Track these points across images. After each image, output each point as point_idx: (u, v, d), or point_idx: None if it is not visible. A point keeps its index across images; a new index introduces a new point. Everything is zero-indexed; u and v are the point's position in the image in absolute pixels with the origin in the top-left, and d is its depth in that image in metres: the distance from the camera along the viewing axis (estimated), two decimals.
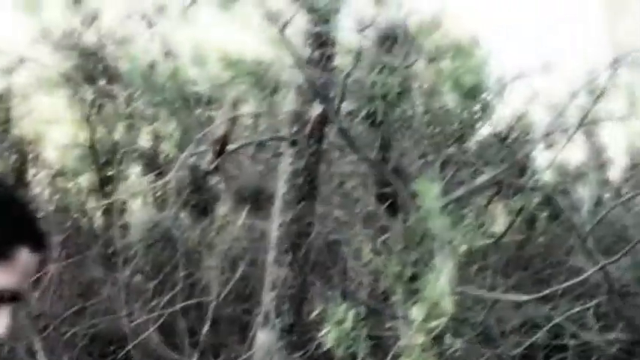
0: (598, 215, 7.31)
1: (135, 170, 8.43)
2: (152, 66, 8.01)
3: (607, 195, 8.00)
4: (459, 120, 6.73)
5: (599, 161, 8.19)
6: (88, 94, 8.41)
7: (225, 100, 6.76)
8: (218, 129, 6.37)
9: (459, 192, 6.32)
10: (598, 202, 7.65)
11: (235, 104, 6.54)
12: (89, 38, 8.41)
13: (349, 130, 6.32)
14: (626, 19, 7.77)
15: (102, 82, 8.38)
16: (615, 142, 8.36)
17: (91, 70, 8.32)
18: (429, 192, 5.86)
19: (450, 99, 6.71)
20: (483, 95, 6.82)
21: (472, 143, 7.01)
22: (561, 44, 7.75)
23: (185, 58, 7.61)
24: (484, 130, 7.20)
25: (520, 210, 6.84)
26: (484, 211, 7.25)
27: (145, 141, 8.41)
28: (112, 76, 8.28)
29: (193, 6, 7.30)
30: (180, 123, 7.33)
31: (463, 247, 5.81)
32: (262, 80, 6.88)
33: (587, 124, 7.35)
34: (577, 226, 7.21)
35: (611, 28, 7.83)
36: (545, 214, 7.57)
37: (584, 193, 7.61)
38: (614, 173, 8.47)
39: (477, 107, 6.82)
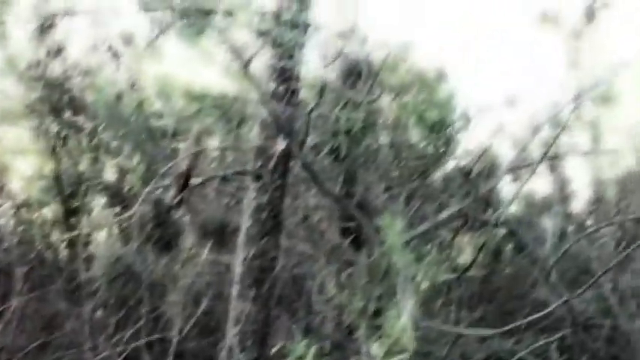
0: (562, 248, 7.36)
1: (100, 202, 8.38)
2: (118, 97, 8.01)
3: (571, 228, 8.05)
4: (423, 154, 6.78)
5: (563, 194, 8.25)
6: (54, 125, 8.36)
7: (190, 133, 6.76)
8: (182, 163, 6.36)
9: (423, 227, 6.35)
10: (562, 235, 7.69)
11: (199, 138, 6.53)
12: (55, 69, 8.38)
13: (313, 164, 6.34)
14: (588, 54, 7.86)
15: (67, 114, 8.33)
16: (579, 175, 8.44)
17: (57, 102, 8.28)
18: (393, 227, 5.87)
19: (414, 133, 6.76)
20: (448, 129, 6.88)
21: (437, 177, 7.04)
22: (525, 79, 7.82)
23: (151, 91, 7.61)
24: (449, 164, 7.26)
25: (483, 245, 6.87)
26: (450, 245, 7.26)
27: (110, 173, 8.37)
28: (78, 108, 8.25)
29: (159, 39, 7.29)
30: (145, 156, 7.30)
31: (426, 283, 5.82)
32: (227, 114, 6.90)
33: (550, 158, 7.43)
34: (541, 259, 7.25)
35: (574, 63, 7.91)
36: (510, 247, 7.60)
37: (548, 225, 7.65)
38: (579, 206, 8.54)
39: (442, 141, 6.87)
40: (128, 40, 8.10)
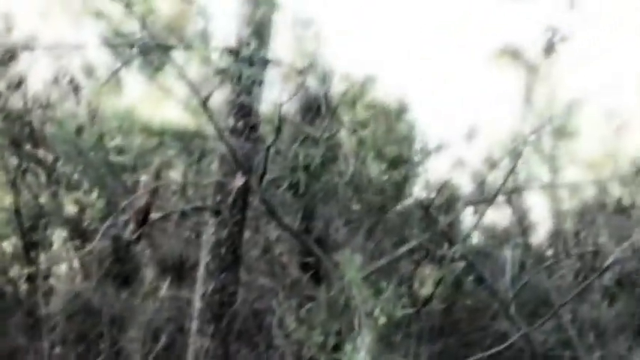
0: (522, 280, 7.41)
1: (60, 236, 8.32)
2: (78, 131, 7.98)
3: (531, 259, 8.10)
4: (383, 188, 6.81)
5: (523, 226, 8.32)
6: (13, 158, 8.31)
7: (149, 168, 6.76)
8: (141, 198, 6.36)
9: (382, 262, 6.38)
10: (522, 267, 7.75)
11: (159, 173, 6.54)
12: (15, 102, 8.34)
13: (273, 199, 6.36)
14: (544, 88, 7.97)
15: (27, 147, 8.28)
16: (539, 207, 8.51)
17: (17, 135, 8.23)
18: (352, 262, 5.90)
19: (374, 167, 6.79)
20: (407, 164, 6.93)
21: (397, 211, 7.07)
22: (484, 112, 7.90)
23: (111, 125, 7.60)
24: (409, 198, 7.30)
25: (441, 278, 6.90)
26: (410, 279, 7.30)
27: (70, 207, 8.32)
28: (38, 141, 8.21)
29: (121, 73, 7.29)
30: (104, 190, 7.29)
31: (384, 317, 5.84)
32: (187, 149, 6.91)
33: (509, 191, 7.50)
34: (500, 291, 7.29)
35: (532, 97, 8.01)
36: (470, 279, 7.64)
37: (508, 257, 7.70)
38: (538, 238, 8.60)
39: (401, 176, 6.92)
40: (89, 73, 8.09)
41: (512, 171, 7.01)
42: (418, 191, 7.34)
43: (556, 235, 8.36)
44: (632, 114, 8.53)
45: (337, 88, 7.42)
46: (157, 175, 6.49)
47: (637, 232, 7.14)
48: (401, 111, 7.90)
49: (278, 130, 5.98)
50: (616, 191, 8.25)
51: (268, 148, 6.05)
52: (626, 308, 7.58)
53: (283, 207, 6.56)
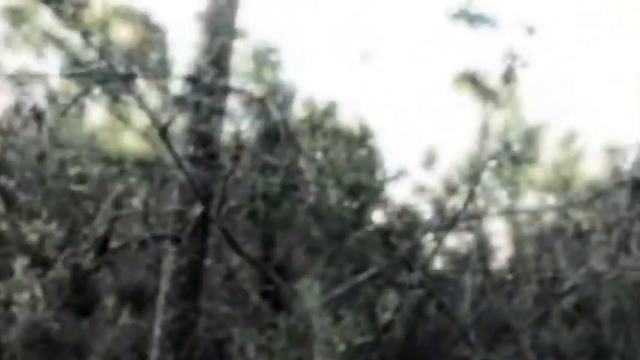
0: (482, 305, 7.47)
1: (21, 264, 8.25)
2: (39, 159, 7.95)
3: (490, 285, 8.14)
4: (342, 216, 6.84)
5: (483, 251, 8.37)
6: None
7: (109, 196, 6.76)
8: (101, 226, 6.36)
9: (341, 289, 6.41)
10: (482, 292, 7.80)
11: (119, 202, 6.54)
12: None
13: (232, 228, 6.38)
14: (504, 114, 8.04)
15: None
16: (500, 233, 8.58)
17: None
18: (310, 290, 5.93)
19: (333, 195, 6.83)
20: (366, 191, 6.97)
21: (357, 238, 7.09)
22: (444, 139, 7.97)
23: (72, 153, 7.58)
24: (369, 225, 7.33)
25: (400, 305, 6.93)
26: (372, 305, 7.31)
27: (31, 235, 8.26)
28: None
29: (84, 102, 7.29)
30: (65, 218, 7.26)
31: (343, 345, 5.87)
32: (148, 177, 6.91)
33: (468, 216, 7.57)
34: (460, 317, 7.34)
35: (490, 123, 8.09)
36: (431, 304, 7.67)
37: (468, 282, 7.74)
38: (498, 263, 8.65)
39: (361, 203, 6.96)
40: (51, 101, 8.07)
41: (470, 197, 7.09)
42: (378, 218, 7.39)
43: (516, 261, 8.42)
44: (590, 139, 8.63)
45: (298, 114, 7.49)
46: (117, 204, 6.49)
47: (594, 257, 7.22)
48: (363, 137, 7.96)
49: (236, 158, 6.01)
50: (575, 216, 8.32)
51: (227, 177, 6.07)
52: (585, 333, 7.64)
53: (244, 235, 6.58)
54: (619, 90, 9.16)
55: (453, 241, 8.07)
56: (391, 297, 7.19)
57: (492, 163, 7.55)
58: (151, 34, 6.43)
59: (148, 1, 7.79)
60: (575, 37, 9.39)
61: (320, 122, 7.41)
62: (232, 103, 6.51)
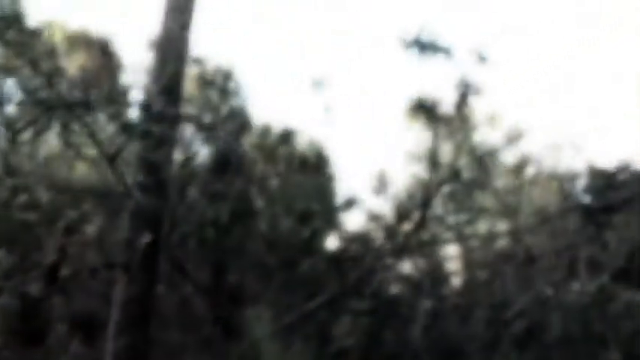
0: (434, 329, 7.51)
1: None
2: None
3: (443, 310, 8.19)
4: (294, 243, 6.87)
5: (437, 275, 8.42)
6: None
7: (60, 224, 6.73)
8: (51, 255, 6.32)
9: (292, 316, 6.42)
10: (435, 316, 7.84)
11: (69, 230, 6.51)
12: None
13: (183, 256, 6.38)
14: (456, 140, 8.14)
15: None
16: (452, 258, 8.64)
17: None
18: (260, 317, 5.94)
19: (284, 222, 6.86)
20: (318, 218, 7.02)
21: (309, 265, 7.12)
22: (396, 165, 8.04)
23: (23, 180, 7.53)
24: (322, 252, 7.37)
25: (351, 333, 6.96)
26: (324, 331, 7.33)
27: None
28: None
29: (37, 130, 7.26)
30: (15, 246, 7.20)
31: None
32: (100, 205, 6.89)
33: (421, 242, 7.63)
34: (412, 342, 7.38)
35: (441, 150, 8.19)
36: (384, 329, 7.69)
37: (421, 307, 7.78)
38: (450, 288, 8.70)
39: (312, 230, 7.00)
40: (4, 128, 8.02)
41: (422, 222, 7.14)
42: (331, 244, 7.44)
43: (468, 285, 8.48)
44: (542, 165, 8.75)
45: (252, 141, 7.53)
46: (68, 232, 6.46)
47: (543, 281, 7.30)
48: (318, 164, 8.02)
49: (186, 186, 6.02)
50: (526, 241, 8.40)
51: (176, 205, 6.08)
52: (534, 357, 7.70)
53: (195, 262, 6.58)
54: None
55: (407, 266, 8.13)
56: (344, 323, 7.23)
57: (444, 189, 7.63)
58: (107, 60, 6.43)
59: (104, 27, 7.80)
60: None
61: (274, 149, 7.45)
62: (183, 130, 6.51)
